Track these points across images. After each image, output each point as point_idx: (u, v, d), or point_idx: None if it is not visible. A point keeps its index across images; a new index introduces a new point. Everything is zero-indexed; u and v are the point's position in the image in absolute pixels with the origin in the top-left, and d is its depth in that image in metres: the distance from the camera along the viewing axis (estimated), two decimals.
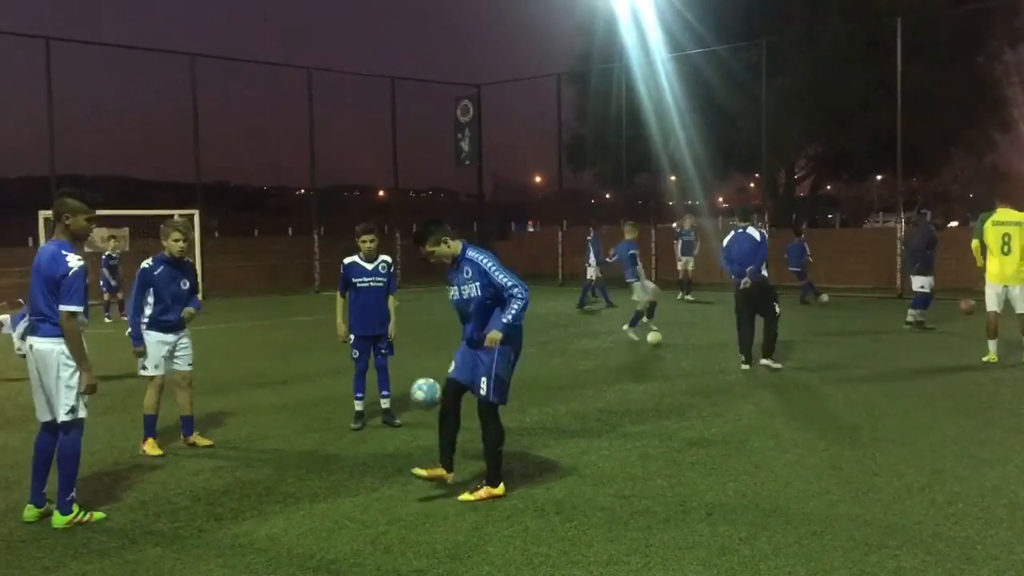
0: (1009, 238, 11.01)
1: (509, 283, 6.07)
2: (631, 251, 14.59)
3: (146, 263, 7.63)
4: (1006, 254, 11.05)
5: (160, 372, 7.66)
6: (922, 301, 15.30)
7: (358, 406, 8.47)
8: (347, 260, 8.53)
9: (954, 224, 37.99)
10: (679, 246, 22.53)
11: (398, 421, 8.48)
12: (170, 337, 7.66)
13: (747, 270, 11.24)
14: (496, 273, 6.11)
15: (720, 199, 54.27)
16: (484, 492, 6.11)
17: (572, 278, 29.08)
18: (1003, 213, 11.21)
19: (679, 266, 22.56)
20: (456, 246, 6.31)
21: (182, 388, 7.81)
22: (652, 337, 13.68)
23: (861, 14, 27.25)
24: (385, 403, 8.56)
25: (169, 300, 7.59)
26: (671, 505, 5.93)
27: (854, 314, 18.95)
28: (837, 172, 39.03)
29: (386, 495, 6.28)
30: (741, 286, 11.30)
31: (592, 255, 20.64)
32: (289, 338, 16.26)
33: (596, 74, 31.89)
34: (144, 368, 7.64)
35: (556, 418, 8.76)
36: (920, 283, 15.33)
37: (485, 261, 6.18)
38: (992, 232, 11.18)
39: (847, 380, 10.65)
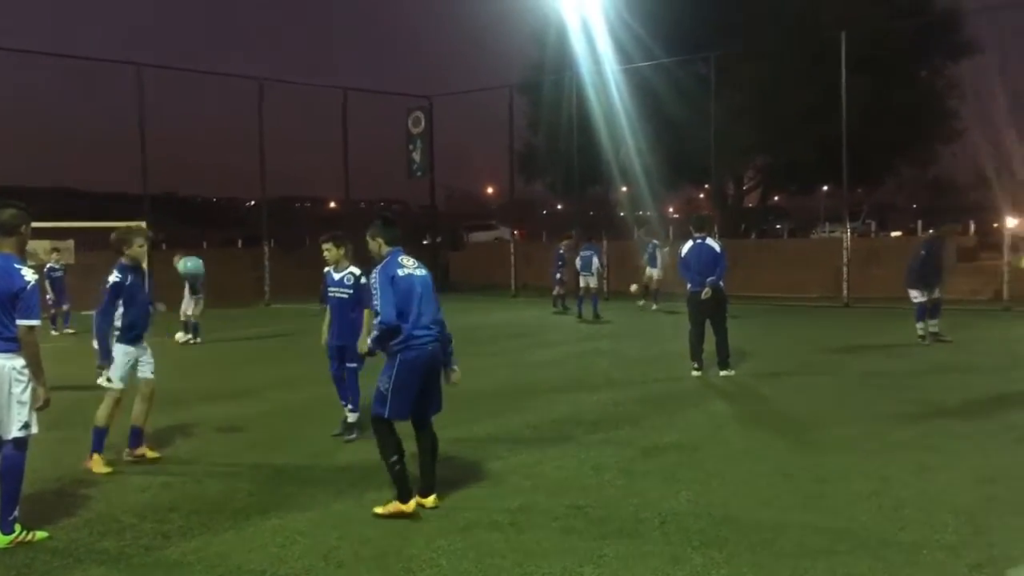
0: None
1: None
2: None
3: (116, 276, 7.38)
4: None
5: (124, 386, 7.49)
6: (919, 312, 14.57)
7: (346, 415, 8.46)
8: (326, 269, 8.63)
9: (897, 234, 38.81)
10: (645, 257, 22.66)
11: (349, 437, 8.34)
12: (136, 349, 7.57)
13: (707, 280, 11.36)
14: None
15: (671, 210, 54.86)
16: (391, 507, 5.98)
17: (525, 288, 29.16)
18: None
19: (645, 277, 22.65)
20: (384, 250, 6.29)
21: (143, 398, 7.68)
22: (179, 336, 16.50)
23: (807, 28, 27.79)
24: (351, 417, 8.44)
25: (139, 309, 7.52)
26: (624, 515, 5.94)
27: (803, 322, 19.24)
28: (785, 183, 39.69)
29: (338, 510, 6.21)
30: (703, 296, 11.40)
31: (594, 266, 20.48)
32: (239, 352, 16.03)
33: (548, 85, 32.08)
34: (110, 381, 7.40)
35: (510, 429, 8.75)
36: (912, 295, 14.57)
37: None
38: None
39: (797, 387, 10.79)
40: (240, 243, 36.05)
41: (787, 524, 5.67)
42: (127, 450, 7.67)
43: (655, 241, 23.00)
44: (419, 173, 33.57)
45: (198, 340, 16.54)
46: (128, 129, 26.29)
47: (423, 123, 32.96)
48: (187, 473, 7.32)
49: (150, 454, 7.68)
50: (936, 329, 14.46)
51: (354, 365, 8.41)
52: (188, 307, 16.61)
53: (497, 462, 7.37)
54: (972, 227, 34.19)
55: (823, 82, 26.11)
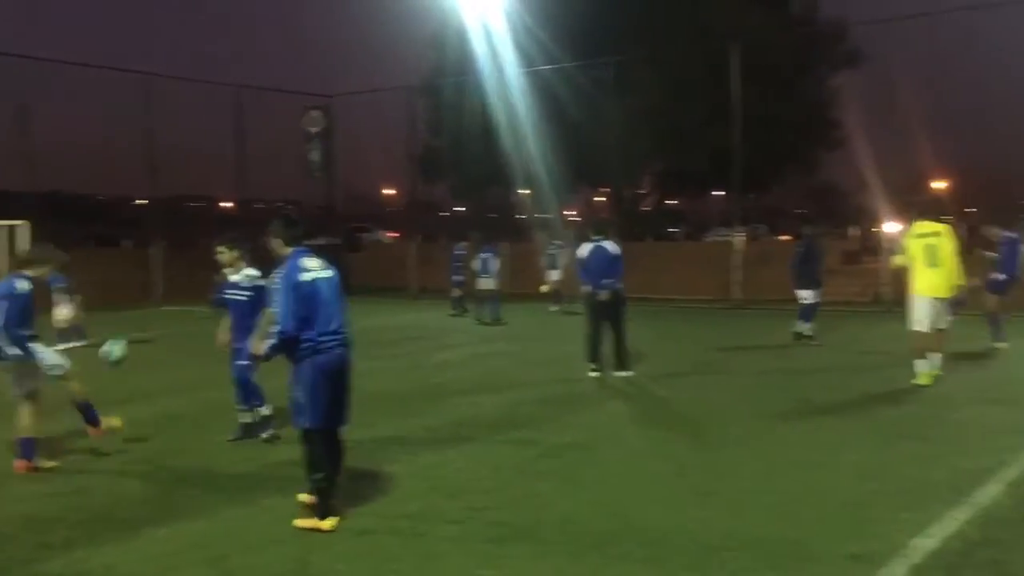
0: (935, 249, 10.51)
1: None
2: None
3: (26, 285, 7.41)
4: (935, 266, 10.48)
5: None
6: (805, 313, 15.21)
7: (259, 413, 8.30)
8: (224, 270, 8.47)
9: (786, 238, 40.18)
10: (546, 260, 22.75)
11: (265, 435, 8.15)
12: None
13: (605, 283, 11.55)
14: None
15: (571, 212, 55.56)
16: (309, 522, 5.74)
17: (425, 291, 29.02)
18: (922, 226, 10.77)
19: (549, 279, 22.77)
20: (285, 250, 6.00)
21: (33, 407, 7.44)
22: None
23: (702, 38, 28.55)
24: (265, 410, 8.27)
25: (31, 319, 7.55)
26: (524, 516, 5.98)
27: (697, 323, 19.71)
28: (680, 188, 40.63)
29: (230, 516, 6.06)
30: (601, 298, 11.59)
31: (493, 268, 20.48)
32: (127, 355, 15.42)
33: (449, 87, 32.06)
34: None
35: (409, 431, 8.69)
36: (803, 296, 15.19)
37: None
38: (917, 245, 10.61)
39: (692, 386, 11.06)
40: (131, 243, 34.87)
41: (682, 521, 5.80)
42: (25, 462, 7.30)
43: (556, 243, 23.17)
44: (317, 173, 33.09)
45: (84, 342, 15.83)
46: (10, 125, 25.16)
47: (322, 123, 32.50)
48: (72, 482, 7.04)
49: (46, 464, 7.38)
50: (801, 329, 15.09)
51: (244, 363, 8.19)
52: (64, 311, 15.62)
53: (396, 465, 7.31)
54: (855, 232, 35.72)
55: (717, 91, 26.84)
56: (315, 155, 32.69)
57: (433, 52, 34.95)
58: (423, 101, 33.99)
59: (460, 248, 22.12)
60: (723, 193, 46.35)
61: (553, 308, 22.07)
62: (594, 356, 11.79)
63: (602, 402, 10.27)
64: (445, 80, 32.44)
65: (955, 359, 11.41)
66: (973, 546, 5.21)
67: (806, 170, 37.95)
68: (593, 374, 11.70)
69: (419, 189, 36.70)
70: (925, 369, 10.50)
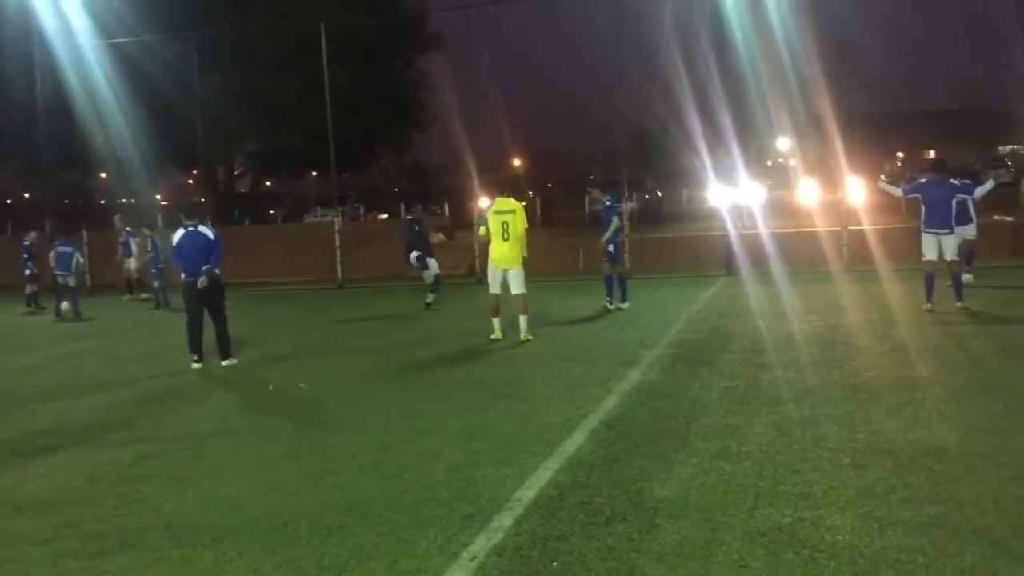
0: (507, 225, 11.79)
1: None
2: None
3: None
4: (505, 240, 11.83)
5: None
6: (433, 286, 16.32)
7: None
8: None
9: (384, 216, 41.29)
10: (121, 248, 21.61)
11: None
12: None
13: (203, 269, 11.01)
14: None
15: (159, 196, 52.46)
16: None
17: None
18: (501, 203, 11.98)
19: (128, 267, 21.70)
20: None
21: None
22: None
23: (287, 15, 28.20)
24: None
25: None
26: (125, 525, 5.52)
27: (301, 305, 19.59)
28: (276, 168, 40.06)
29: None
30: (199, 285, 11.02)
31: (74, 264, 18.89)
32: None
33: (11, 60, 28.55)
34: None
35: None
36: (432, 265, 16.28)
37: None
38: (494, 220, 11.88)
39: (300, 369, 10.95)
40: None
41: (297, 505, 5.72)
42: None
43: (128, 229, 21.85)
44: None
45: None
46: None
47: None
48: None
49: None
50: (430, 300, 16.25)
51: None
52: None
53: None
54: (446, 208, 37.63)
55: (307, 70, 26.73)
56: None
57: None
58: None
59: (30, 239, 20.11)
60: (319, 173, 46.53)
61: (126, 296, 21.34)
62: (195, 346, 11.25)
63: (207, 394, 9.83)
64: (5, 51, 28.83)
65: (553, 321, 12.56)
66: (565, 491, 5.73)
67: (399, 149, 39.33)
68: (196, 366, 11.17)
69: None
70: (496, 327, 12.09)
